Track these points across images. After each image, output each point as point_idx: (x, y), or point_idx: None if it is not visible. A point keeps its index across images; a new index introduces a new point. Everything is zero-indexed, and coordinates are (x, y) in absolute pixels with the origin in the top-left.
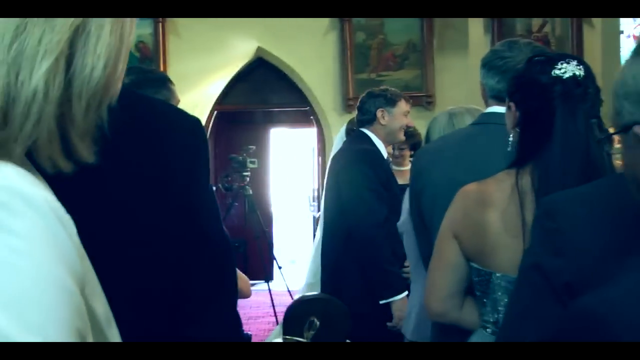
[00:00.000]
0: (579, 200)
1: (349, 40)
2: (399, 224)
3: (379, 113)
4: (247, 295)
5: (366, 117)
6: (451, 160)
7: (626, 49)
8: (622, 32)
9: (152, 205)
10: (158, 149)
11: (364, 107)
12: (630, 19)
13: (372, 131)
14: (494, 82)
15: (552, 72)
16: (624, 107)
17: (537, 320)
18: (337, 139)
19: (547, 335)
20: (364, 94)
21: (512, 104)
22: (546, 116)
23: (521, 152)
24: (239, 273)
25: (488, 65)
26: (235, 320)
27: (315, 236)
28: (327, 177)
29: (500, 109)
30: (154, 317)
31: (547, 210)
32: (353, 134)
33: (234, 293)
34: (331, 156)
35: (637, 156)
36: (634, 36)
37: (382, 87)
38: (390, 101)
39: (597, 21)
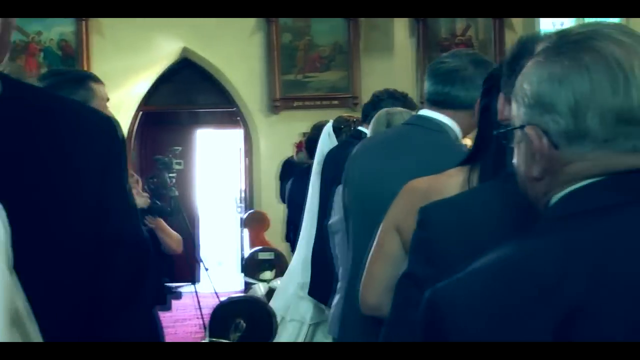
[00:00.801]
0: (453, 209)
1: (276, 41)
2: (330, 223)
3: None
4: (176, 250)
5: None
6: (375, 158)
7: None
8: None
9: (61, 207)
10: (68, 149)
11: (381, 104)
12: (550, 24)
13: None
14: (427, 85)
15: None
16: (520, 108)
17: (407, 327)
18: (324, 137)
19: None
20: (381, 92)
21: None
22: (495, 114)
23: (474, 148)
24: (170, 230)
25: (427, 70)
26: (151, 322)
27: (301, 235)
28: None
29: (429, 112)
30: (70, 318)
31: (420, 220)
32: (352, 132)
33: (151, 295)
34: (325, 154)
35: (522, 153)
36: None
37: (402, 92)
38: (411, 107)
39: (518, 25)
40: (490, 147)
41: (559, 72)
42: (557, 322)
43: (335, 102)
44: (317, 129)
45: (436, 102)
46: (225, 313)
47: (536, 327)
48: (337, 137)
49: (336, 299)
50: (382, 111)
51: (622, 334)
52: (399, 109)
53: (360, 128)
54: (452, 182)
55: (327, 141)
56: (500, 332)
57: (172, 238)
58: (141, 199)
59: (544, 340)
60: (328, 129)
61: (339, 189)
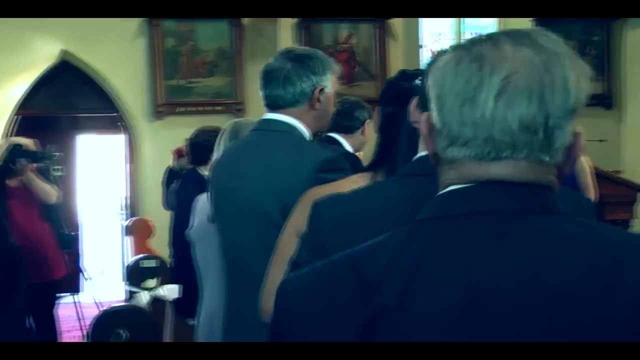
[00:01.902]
0: (344, 205)
1: (158, 46)
2: (191, 231)
3: (366, 125)
4: (50, 200)
5: (350, 124)
6: (232, 164)
7: (425, 60)
8: (421, 45)
9: None
10: None
11: (354, 114)
12: (429, 35)
13: (346, 139)
14: (260, 89)
15: (413, 81)
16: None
17: None
18: None
19: None
20: (352, 100)
21: (378, 108)
22: (399, 120)
23: (377, 155)
24: (43, 184)
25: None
26: (23, 330)
27: None
28: None
29: (272, 115)
30: None
31: (310, 215)
32: (323, 138)
33: (23, 303)
34: None
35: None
36: (431, 50)
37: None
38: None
39: (399, 34)
40: (399, 152)
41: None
42: (364, 319)
43: (220, 108)
44: (205, 133)
45: (270, 105)
46: (107, 323)
47: (347, 327)
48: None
49: (205, 307)
50: (231, 122)
51: (422, 336)
52: (248, 119)
53: (331, 134)
54: (354, 188)
55: None
56: (320, 327)
57: (44, 190)
58: None
59: (351, 337)
60: None
61: (198, 198)
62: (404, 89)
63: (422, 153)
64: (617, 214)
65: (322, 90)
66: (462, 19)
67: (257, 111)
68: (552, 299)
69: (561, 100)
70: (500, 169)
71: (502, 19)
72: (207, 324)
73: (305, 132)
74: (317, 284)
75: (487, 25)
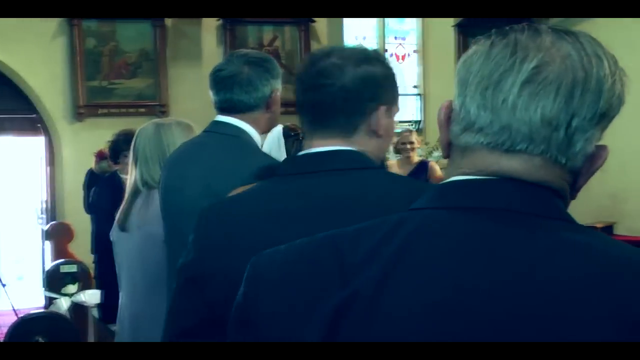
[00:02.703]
0: (228, 204)
1: (79, 46)
2: (110, 233)
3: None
4: None
5: None
6: (177, 166)
7: None
8: (386, 50)
9: None
10: None
11: None
12: (354, 38)
13: None
14: (212, 93)
15: None
16: None
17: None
18: (272, 140)
19: (186, 325)
20: None
21: None
22: None
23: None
24: None
25: (209, 78)
26: None
27: None
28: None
29: (223, 118)
30: None
31: (198, 217)
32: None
33: None
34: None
35: None
36: (396, 55)
37: None
38: None
39: (323, 36)
40: None
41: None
42: (337, 303)
43: (143, 109)
44: (124, 136)
45: (225, 109)
46: (24, 330)
47: (319, 309)
48: (285, 143)
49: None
50: (151, 122)
51: (392, 330)
52: (171, 119)
53: None
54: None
55: (275, 145)
56: (292, 305)
57: None
58: None
59: (321, 320)
60: (278, 133)
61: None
62: None
63: (302, 152)
64: None
65: (276, 93)
66: (385, 22)
67: (181, 113)
68: (537, 305)
69: (591, 102)
70: (512, 163)
71: (425, 22)
72: (121, 327)
73: (256, 135)
74: (295, 261)
75: (410, 29)
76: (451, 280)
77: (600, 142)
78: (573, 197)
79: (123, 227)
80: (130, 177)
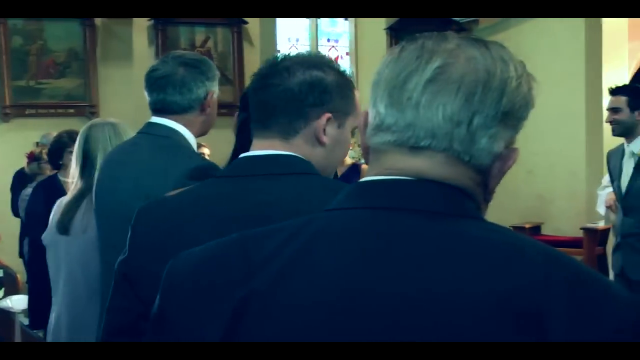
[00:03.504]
0: (162, 204)
1: (5, 44)
2: (43, 236)
3: None
4: None
5: None
6: (110, 167)
7: None
8: (278, 50)
9: None
10: None
11: None
12: (286, 40)
13: None
14: (146, 94)
15: None
16: None
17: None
18: None
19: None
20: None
21: (236, 114)
22: (247, 128)
23: (231, 159)
24: None
25: (144, 79)
26: None
27: None
28: None
29: (157, 119)
30: None
31: (136, 213)
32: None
33: None
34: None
35: None
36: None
37: None
38: None
39: (255, 38)
40: None
41: None
42: (239, 300)
43: (72, 110)
44: (57, 141)
45: (158, 110)
46: None
47: (223, 305)
48: None
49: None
50: (101, 122)
51: (284, 327)
52: (100, 119)
53: None
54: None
55: None
56: (200, 303)
57: None
58: None
59: (226, 316)
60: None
61: (58, 201)
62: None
63: (243, 154)
64: None
65: (212, 95)
66: (318, 25)
67: (111, 113)
68: (427, 300)
69: (493, 101)
70: (416, 161)
71: (357, 25)
72: (56, 334)
73: (190, 137)
74: (204, 260)
75: (343, 32)
76: (344, 278)
77: (529, 145)
78: (487, 199)
79: (65, 230)
80: (75, 179)
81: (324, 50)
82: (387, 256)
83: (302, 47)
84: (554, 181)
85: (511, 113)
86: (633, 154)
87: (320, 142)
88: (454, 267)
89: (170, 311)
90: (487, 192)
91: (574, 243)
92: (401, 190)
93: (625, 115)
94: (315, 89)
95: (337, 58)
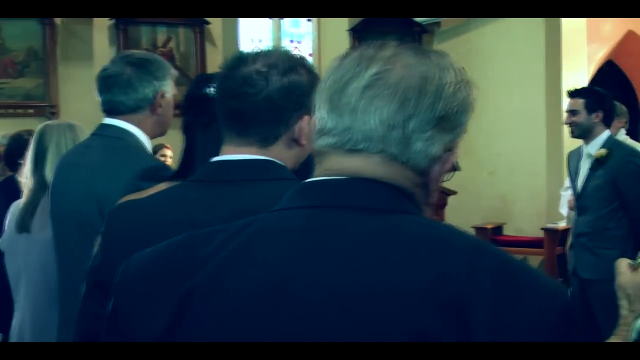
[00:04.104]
0: (135, 208)
1: None
2: (0, 241)
3: None
4: None
5: None
6: (63, 169)
7: None
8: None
9: None
10: None
11: None
12: (249, 41)
13: None
14: (98, 94)
15: (204, 89)
16: None
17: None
18: None
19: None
20: None
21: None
22: (194, 128)
23: (182, 163)
24: None
25: (96, 80)
26: None
27: None
28: None
29: (109, 120)
30: None
31: (107, 217)
32: None
33: None
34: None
35: None
36: None
37: None
38: None
39: (218, 39)
40: (196, 160)
41: None
42: (183, 293)
43: (31, 110)
44: (16, 140)
45: (108, 110)
46: None
47: (170, 299)
48: None
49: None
50: (41, 125)
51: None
52: (56, 121)
53: None
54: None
55: None
56: (149, 299)
57: None
58: None
59: (172, 310)
60: None
61: (14, 204)
62: (196, 96)
63: (216, 158)
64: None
65: (163, 95)
66: (281, 25)
67: (71, 114)
68: (363, 296)
69: (428, 106)
70: (354, 161)
71: (320, 26)
72: (20, 339)
73: (143, 138)
74: (155, 259)
75: (306, 32)
76: (278, 273)
77: (491, 146)
78: (428, 201)
79: (25, 228)
80: (27, 178)
81: None
82: (318, 251)
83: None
84: (516, 182)
85: (447, 118)
86: (590, 155)
87: (300, 144)
88: (384, 259)
89: (122, 308)
90: (427, 193)
91: (535, 243)
92: (337, 188)
93: (582, 117)
94: (293, 94)
95: None
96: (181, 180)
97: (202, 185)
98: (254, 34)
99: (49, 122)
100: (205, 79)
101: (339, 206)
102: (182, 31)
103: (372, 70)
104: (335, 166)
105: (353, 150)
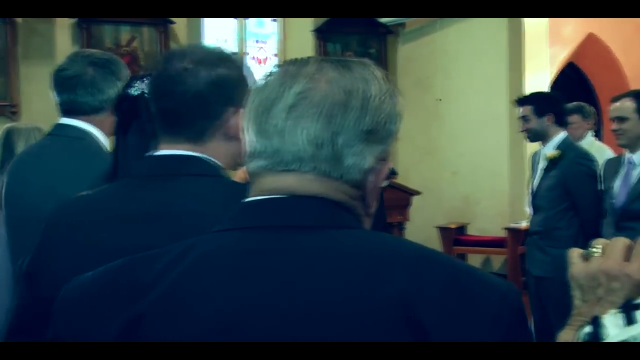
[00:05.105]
0: (71, 205)
1: None
2: None
3: None
4: None
5: None
6: (20, 170)
7: None
8: (246, 53)
9: None
10: None
11: None
12: (214, 40)
13: None
14: (54, 94)
15: (127, 90)
16: None
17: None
18: None
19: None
20: None
21: None
22: (120, 129)
23: (113, 164)
24: None
25: (51, 78)
26: None
27: None
28: None
29: (68, 120)
30: None
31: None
32: None
33: None
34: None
35: None
36: (257, 59)
37: None
38: None
39: (182, 38)
40: (122, 161)
41: None
42: (126, 322)
43: None
44: None
45: (68, 111)
46: None
47: (109, 328)
48: None
49: None
50: (4, 127)
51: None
52: (22, 123)
53: None
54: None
55: None
56: (88, 326)
57: None
58: None
59: (112, 339)
60: None
61: None
62: (121, 97)
63: (159, 153)
64: (394, 217)
65: None
66: (245, 25)
67: (33, 113)
68: (313, 314)
69: (355, 120)
70: (287, 180)
71: (285, 26)
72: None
73: (102, 138)
74: (94, 285)
75: (271, 33)
76: (224, 297)
77: (454, 146)
78: (367, 212)
79: None
80: None
81: (252, 51)
82: (266, 274)
83: (230, 47)
84: (478, 182)
85: (376, 130)
86: (545, 156)
87: (235, 138)
88: (332, 279)
89: (62, 333)
90: (366, 204)
91: (497, 242)
92: (275, 208)
93: (534, 122)
94: (222, 88)
95: (265, 59)
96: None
97: (135, 180)
98: (219, 34)
99: (14, 124)
100: (134, 79)
101: (279, 226)
102: (146, 30)
103: (296, 88)
104: (271, 185)
105: (286, 171)
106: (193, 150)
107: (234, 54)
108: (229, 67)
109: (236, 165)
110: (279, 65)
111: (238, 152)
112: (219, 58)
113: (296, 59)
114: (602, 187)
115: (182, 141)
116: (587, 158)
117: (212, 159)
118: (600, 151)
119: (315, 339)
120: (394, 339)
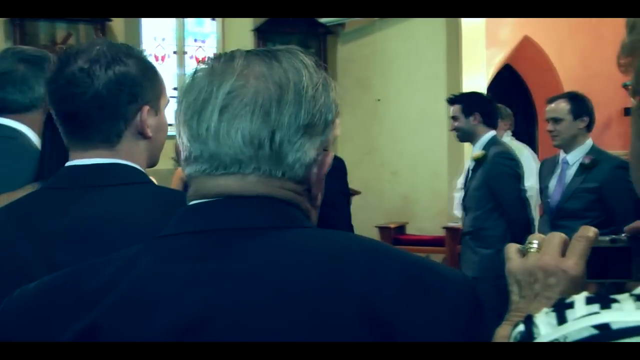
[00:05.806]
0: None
1: None
2: None
3: None
4: None
5: None
6: None
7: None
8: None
9: None
10: None
11: None
12: (152, 39)
13: None
14: None
15: None
16: None
17: None
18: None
19: None
20: None
21: None
22: (44, 129)
23: (40, 163)
24: None
25: None
26: None
27: None
28: None
29: (3, 120)
30: None
31: None
32: None
33: None
34: None
35: None
36: (196, 58)
37: None
38: None
39: (120, 38)
40: (46, 164)
41: None
42: (76, 333)
43: None
44: None
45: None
46: None
47: (57, 339)
48: None
49: None
50: None
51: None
52: None
53: None
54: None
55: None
56: (33, 338)
57: None
58: None
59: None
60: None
61: None
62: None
63: (68, 164)
64: None
65: None
66: (184, 24)
67: None
68: (274, 312)
69: (291, 115)
70: (229, 183)
71: (224, 25)
72: None
73: (34, 137)
74: (37, 297)
75: (210, 32)
76: (187, 300)
77: (394, 146)
78: (314, 204)
79: None
80: None
81: (191, 50)
82: (217, 276)
83: (169, 46)
84: (418, 182)
85: (313, 123)
86: (471, 156)
87: (146, 137)
88: (282, 278)
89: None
90: (312, 197)
91: (436, 242)
92: (221, 211)
93: (462, 122)
94: (124, 85)
95: (204, 58)
96: (41, 183)
97: (53, 192)
98: (157, 33)
99: None
100: None
101: (229, 229)
102: (82, 27)
103: (226, 87)
104: (213, 190)
105: (226, 174)
106: (106, 156)
107: (128, 46)
108: (127, 63)
109: (154, 163)
110: (203, 62)
111: (153, 150)
112: (115, 55)
113: (220, 54)
114: (523, 186)
115: (92, 147)
116: (507, 157)
117: (129, 163)
118: (518, 151)
119: (279, 338)
120: (356, 337)
